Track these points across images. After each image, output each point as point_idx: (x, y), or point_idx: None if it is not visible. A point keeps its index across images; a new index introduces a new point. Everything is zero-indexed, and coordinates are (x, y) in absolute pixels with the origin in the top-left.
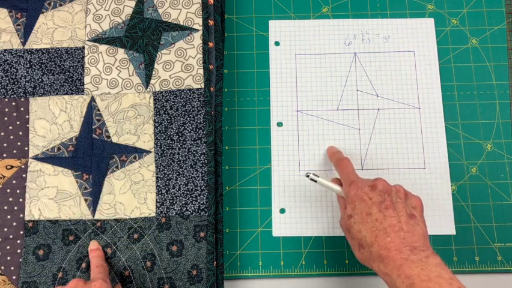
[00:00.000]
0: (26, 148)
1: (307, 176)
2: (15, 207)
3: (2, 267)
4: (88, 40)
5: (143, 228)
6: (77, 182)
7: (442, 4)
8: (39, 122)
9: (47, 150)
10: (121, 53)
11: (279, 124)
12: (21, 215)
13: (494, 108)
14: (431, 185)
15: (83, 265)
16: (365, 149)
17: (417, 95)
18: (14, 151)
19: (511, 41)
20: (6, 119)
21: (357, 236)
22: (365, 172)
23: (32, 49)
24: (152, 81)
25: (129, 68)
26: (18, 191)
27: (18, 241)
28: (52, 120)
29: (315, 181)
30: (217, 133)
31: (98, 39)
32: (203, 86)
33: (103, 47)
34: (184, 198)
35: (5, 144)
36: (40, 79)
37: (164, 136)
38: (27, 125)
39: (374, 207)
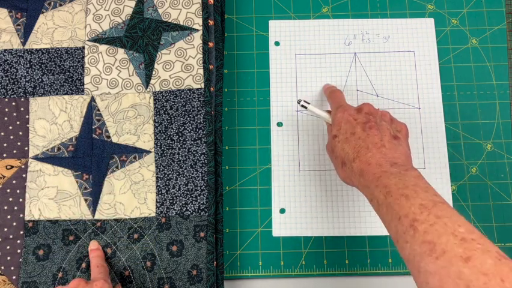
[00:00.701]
0: (26, 148)
1: (299, 103)
2: (15, 207)
3: (2, 267)
4: (88, 40)
5: (143, 228)
6: (77, 182)
7: (442, 4)
8: (39, 122)
9: (47, 150)
10: (121, 53)
11: (279, 124)
12: (21, 215)
13: (494, 108)
14: (431, 185)
15: (83, 265)
16: None
17: (417, 95)
18: (14, 151)
19: (511, 41)
20: (6, 119)
21: (340, 154)
22: None
23: (32, 49)
24: (152, 81)
25: (129, 68)
26: (18, 191)
27: (18, 241)
28: (52, 120)
29: (306, 107)
30: (217, 133)
31: (98, 39)
32: (203, 86)
33: (103, 47)
34: (184, 198)
35: (5, 144)
36: (40, 79)
37: (164, 136)
38: (27, 125)
39: (358, 126)
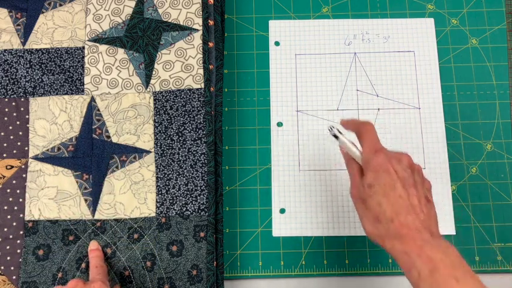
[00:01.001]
0: (26, 148)
1: (330, 130)
2: (15, 207)
3: (2, 267)
4: (88, 40)
5: (143, 228)
6: (77, 182)
7: (442, 4)
8: (39, 122)
9: (47, 150)
10: (121, 53)
11: (279, 124)
12: (21, 215)
13: (494, 108)
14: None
15: (83, 265)
16: None
17: (417, 95)
18: (14, 151)
19: (511, 41)
20: (6, 119)
21: (375, 208)
22: None
23: (32, 49)
24: (152, 81)
25: (129, 68)
26: (18, 191)
27: (18, 241)
28: (52, 120)
29: (337, 138)
30: (217, 133)
31: (98, 39)
32: (203, 86)
33: (103, 47)
34: (184, 198)
35: (5, 144)
36: (40, 79)
37: (164, 136)
38: (27, 125)
39: (399, 182)
